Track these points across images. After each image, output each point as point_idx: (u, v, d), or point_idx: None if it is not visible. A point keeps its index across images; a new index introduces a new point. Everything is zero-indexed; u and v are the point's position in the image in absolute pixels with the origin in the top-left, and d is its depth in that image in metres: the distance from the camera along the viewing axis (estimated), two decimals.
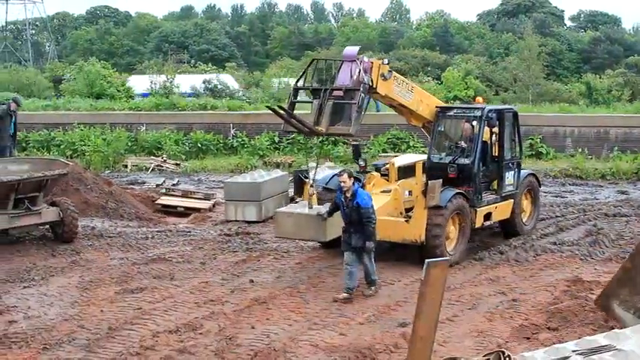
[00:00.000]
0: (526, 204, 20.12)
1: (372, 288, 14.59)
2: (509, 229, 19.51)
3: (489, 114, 17.71)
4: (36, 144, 39.25)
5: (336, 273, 15.68)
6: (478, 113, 17.83)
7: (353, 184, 14.21)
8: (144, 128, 40.54)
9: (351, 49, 16.41)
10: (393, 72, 16.69)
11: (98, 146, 37.37)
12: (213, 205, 24.44)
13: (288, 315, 13.37)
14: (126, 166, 36.92)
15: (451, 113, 18.72)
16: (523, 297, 14.26)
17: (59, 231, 19.17)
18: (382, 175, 18.40)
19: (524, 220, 19.90)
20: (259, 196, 21.64)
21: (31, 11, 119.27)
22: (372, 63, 16.05)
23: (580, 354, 8.49)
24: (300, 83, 16.43)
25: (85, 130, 39.47)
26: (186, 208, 24.09)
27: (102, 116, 42.01)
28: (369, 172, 18.40)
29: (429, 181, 15.95)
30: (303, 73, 16.37)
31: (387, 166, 18.64)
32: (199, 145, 38.75)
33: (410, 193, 17.22)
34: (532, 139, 36.64)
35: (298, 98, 16.72)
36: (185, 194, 25.31)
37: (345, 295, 14.12)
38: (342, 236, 14.48)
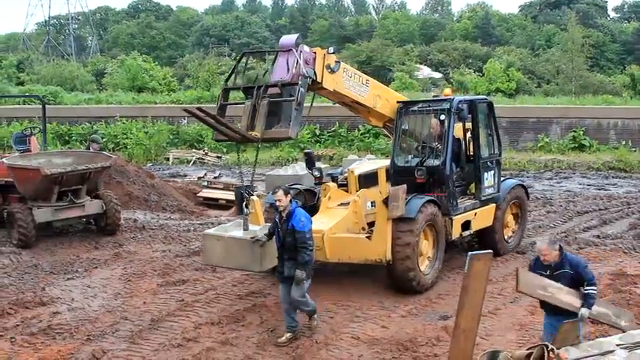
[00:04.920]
0: (510, 218, 17.52)
1: (288, 335, 11.81)
2: (487, 245, 15.65)
3: (459, 106, 15.34)
4: (78, 137, 39.76)
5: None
6: (446, 106, 15.36)
7: (290, 202, 11.75)
8: (185, 121, 40.84)
9: (288, 38, 13.95)
10: (342, 63, 14.39)
11: (140, 139, 37.78)
12: None
13: (330, 307, 13.34)
14: (168, 159, 37.26)
15: (415, 108, 16.00)
16: None
17: (102, 223, 19.37)
18: (340, 185, 15.92)
19: (506, 237, 17.21)
20: None
21: (73, 5, 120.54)
22: (314, 53, 13.71)
23: (624, 348, 8.42)
24: (231, 83, 14.25)
25: (127, 123, 39.98)
26: (228, 201, 24.18)
27: (144, 109, 42.39)
28: (325, 182, 15.85)
29: (391, 188, 13.72)
30: (233, 70, 14.20)
31: (346, 175, 16.21)
32: None
33: (373, 204, 14.69)
34: (575, 131, 36.48)
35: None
36: (226, 187, 25.42)
37: (289, 335, 11.85)
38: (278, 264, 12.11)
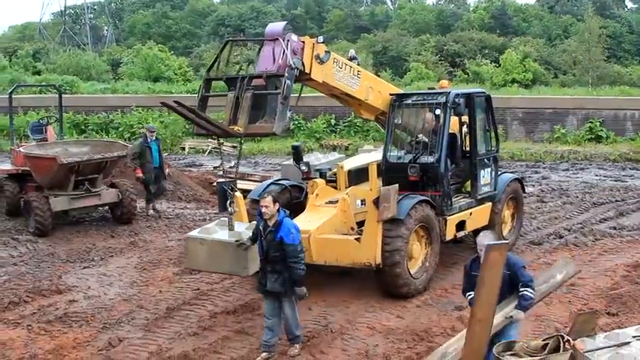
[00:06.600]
0: (507, 214, 16.85)
1: (297, 346, 11.10)
2: None
3: (456, 100, 14.51)
4: (95, 126, 39.89)
5: None
6: (442, 99, 14.56)
7: (278, 211, 10.66)
8: None
9: (275, 26, 13.14)
10: (332, 53, 13.56)
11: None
12: None
13: (345, 297, 13.37)
14: (183, 149, 37.34)
15: (409, 101, 15.20)
16: (582, 281, 14.07)
17: (118, 212, 19.48)
18: (328, 181, 15.03)
19: (504, 234, 16.42)
20: None
21: None
22: (303, 42, 12.82)
23: None
24: (213, 72, 13.42)
25: (142, 112, 39.99)
26: (243, 191, 24.17)
27: (159, 99, 42.29)
28: (313, 178, 15.02)
29: (382, 188, 12.90)
30: (216, 59, 13.26)
31: (334, 170, 15.38)
32: None
33: (363, 202, 14.00)
34: (592, 122, 36.29)
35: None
36: (242, 177, 25.41)
37: (265, 355, 10.85)
38: (259, 275, 11.17)
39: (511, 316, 9.15)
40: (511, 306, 9.22)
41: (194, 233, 12.65)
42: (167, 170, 21.10)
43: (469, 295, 9.44)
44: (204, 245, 11.95)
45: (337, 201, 13.97)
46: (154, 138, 20.75)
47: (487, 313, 8.48)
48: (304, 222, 13.29)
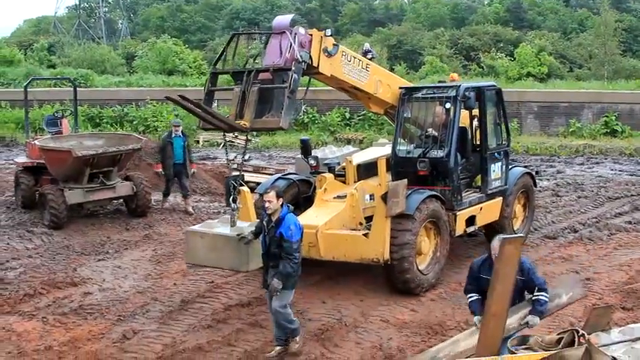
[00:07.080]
0: (518, 208, 16.68)
1: (296, 339, 10.81)
2: None
3: (466, 93, 14.29)
4: (109, 120, 39.94)
5: None
6: (452, 93, 14.33)
7: (282, 206, 10.49)
8: (215, 104, 40.84)
9: (282, 19, 12.79)
10: (340, 46, 13.28)
11: (170, 122, 37.86)
12: None
13: (359, 290, 13.37)
14: (198, 142, 37.31)
15: (419, 95, 14.87)
16: (597, 276, 14.04)
17: (132, 205, 19.52)
18: (337, 175, 15.01)
19: (514, 228, 16.28)
20: None
21: None
22: (310, 35, 12.52)
23: None
24: (219, 66, 13.17)
25: (157, 106, 39.96)
26: (258, 184, 24.16)
27: (174, 92, 42.29)
28: (322, 172, 14.99)
29: (391, 183, 12.78)
30: (222, 52, 12.99)
31: (343, 164, 15.31)
32: None
33: (372, 197, 13.89)
34: (607, 116, 36.08)
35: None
36: (256, 170, 25.44)
37: (279, 348, 10.80)
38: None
39: (527, 322, 9.11)
40: (524, 312, 9.19)
41: (195, 227, 12.51)
42: (193, 170, 20.79)
43: (470, 297, 9.42)
44: (205, 239, 11.75)
45: (346, 196, 13.83)
46: (180, 134, 20.48)
47: (502, 308, 8.47)
48: (312, 217, 13.30)
